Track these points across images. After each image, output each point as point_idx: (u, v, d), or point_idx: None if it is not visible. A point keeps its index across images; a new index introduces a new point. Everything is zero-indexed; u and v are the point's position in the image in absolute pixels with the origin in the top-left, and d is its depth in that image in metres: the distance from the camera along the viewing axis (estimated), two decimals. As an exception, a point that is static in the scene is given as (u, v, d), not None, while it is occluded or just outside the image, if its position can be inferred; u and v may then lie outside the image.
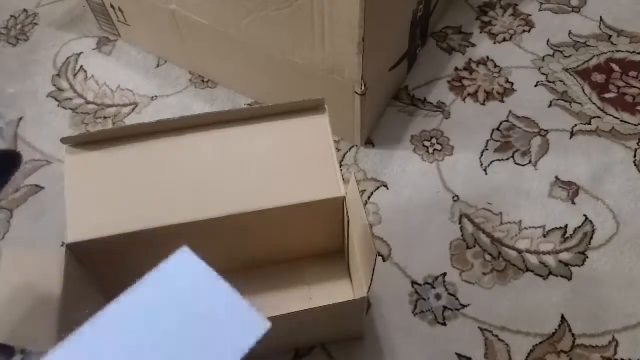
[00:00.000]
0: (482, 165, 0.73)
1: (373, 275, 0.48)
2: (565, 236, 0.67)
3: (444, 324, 0.62)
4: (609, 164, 0.73)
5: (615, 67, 0.82)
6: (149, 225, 0.53)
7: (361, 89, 0.65)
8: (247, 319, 0.29)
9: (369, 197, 0.71)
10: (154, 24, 0.79)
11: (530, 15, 0.89)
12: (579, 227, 0.68)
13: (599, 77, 0.81)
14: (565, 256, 0.66)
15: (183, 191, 0.54)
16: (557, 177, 0.72)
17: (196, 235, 0.55)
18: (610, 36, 0.85)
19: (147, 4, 0.76)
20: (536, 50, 0.84)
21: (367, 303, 0.62)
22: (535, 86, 0.80)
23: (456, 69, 0.83)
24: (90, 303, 0.55)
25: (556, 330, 0.61)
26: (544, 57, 0.83)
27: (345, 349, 0.60)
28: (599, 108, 0.78)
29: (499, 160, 0.73)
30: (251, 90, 0.80)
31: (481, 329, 0.61)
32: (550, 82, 0.81)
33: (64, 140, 0.55)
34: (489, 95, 0.80)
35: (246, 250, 0.61)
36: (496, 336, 0.61)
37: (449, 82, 0.81)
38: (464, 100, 0.79)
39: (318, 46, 0.63)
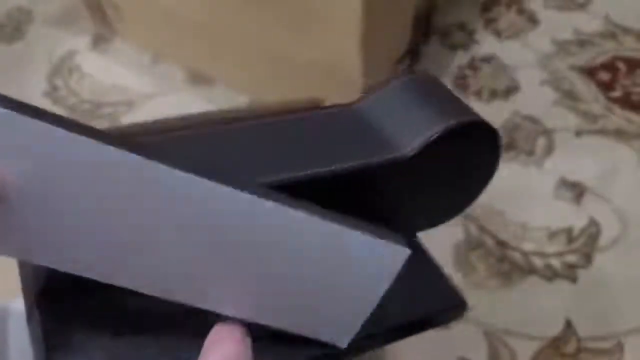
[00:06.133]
0: (485, 165, 0.72)
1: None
2: (571, 237, 0.66)
3: (447, 328, 0.60)
4: (615, 164, 0.71)
5: (621, 66, 0.80)
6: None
7: (363, 87, 0.64)
8: None
9: (370, 198, 0.70)
10: (150, 20, 0.78)
11: (535, 12, 0.87)
12: (585, 228, 0.67)
13: (604, 76, 0.79)
14: (570, 258, 0.65)
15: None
16: (562, 178, 0.70)
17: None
18: (616, 34, 0.84)
19: (143, 0, 0.75)
20: (541, 47, 0.83)
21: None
22: (540, 84, 0.79)
23: (459, 66, 0.81)
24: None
25: (561, 333, 0.60)
26: (548, 55, 0.82)
27: (345, 354, 0.59)
28: (604, 107, 0.76)
29: (502, 159, 0.72)
30: (249, 88, 0.79)
31: (485, 333, 0.60)
32: (555, 80, 0.79)
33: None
34: (493, 94, 0.78)
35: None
36: (500, 340, 0.60)
37: (452, 80, 0.80)
38: (467, 98, 0.78)
39: (318, 43, 0.62)
